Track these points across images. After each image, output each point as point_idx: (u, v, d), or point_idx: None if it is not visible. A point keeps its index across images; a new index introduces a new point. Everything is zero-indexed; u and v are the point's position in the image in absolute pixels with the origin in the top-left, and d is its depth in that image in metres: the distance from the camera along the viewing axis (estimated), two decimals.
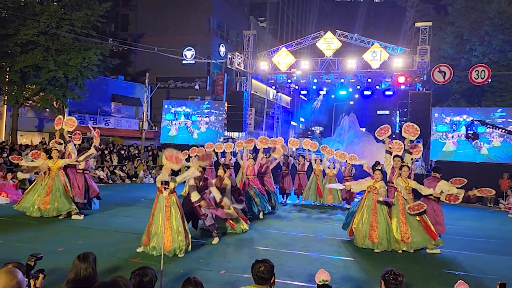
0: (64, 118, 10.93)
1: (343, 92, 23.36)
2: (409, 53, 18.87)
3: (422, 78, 18.86)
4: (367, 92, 22.38)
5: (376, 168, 8.07)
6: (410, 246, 7.64)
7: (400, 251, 7.67)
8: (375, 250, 7.63)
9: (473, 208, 15.52)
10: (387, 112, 30.98)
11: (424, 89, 19.13)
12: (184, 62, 30.65)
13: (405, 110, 19.73)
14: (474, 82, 18.42)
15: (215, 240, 7.85)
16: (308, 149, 14.09)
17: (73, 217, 9.57)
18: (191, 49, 30.64)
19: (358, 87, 22.01)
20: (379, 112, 32.20)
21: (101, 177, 17.21)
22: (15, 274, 2.13)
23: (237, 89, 22.59)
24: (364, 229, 7.80)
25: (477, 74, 18.02)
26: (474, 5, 23.01)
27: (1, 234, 7.78)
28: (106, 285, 2.53)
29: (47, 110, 22.38)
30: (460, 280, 3.25)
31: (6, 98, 20.22)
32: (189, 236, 6.98)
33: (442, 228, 8.20)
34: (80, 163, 9.97)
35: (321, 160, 13.93)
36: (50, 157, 9.74)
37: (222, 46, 33.61)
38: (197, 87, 29.24)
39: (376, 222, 7.73)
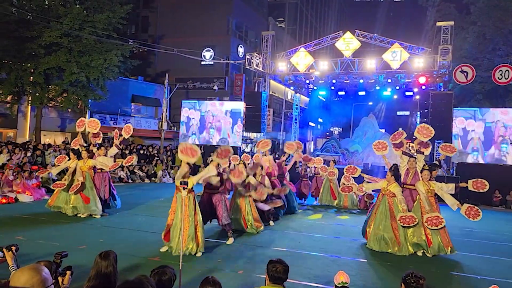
0: (86, 118, 11.15)
1: (362, 93, 23.14)
2: (430, 53, 18.57)
3: (443, 79, 18.53)
4: (386, 93, 22.12)
5: (390, 170, 8.00)
6: (431, 250, 7.52)
7: (420, 254, 7.57)
8: (391, 252, 7.55)
9: (496, 211, 15.18)
10: (407, 113, 30.49)
11: (446, 89, 18.79)
12: (203, 63, 30.89)
13: (425, 111, 19.37)
14: (498, 83, 18.02)
15: (230, 241, 7.90)
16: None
17: (93, 215, 9.83)
18: (210, 50, 30.83)
19: (378, 87, 21.77)
20: (399, 113, 31.72)
21: (121, 176, 17.47)
22: (38, 270, 2.15)
23: (255, 90, 22.61)
24: (380, 232, 7.73)
25: (500, 74, 17.65)
26: (497, 3, 22.50)
27: (24, 231, 7.98)
28: (131, 283, 2.57)
29: (70, 110, 22.83)
30: (494, 285, 3.21)
31: (30, 99, 20.71)
32: (201, 238, 6.92)
33: None
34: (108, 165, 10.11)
35: (334, 162, 14.04)
36: (80, 158, 10.01)
37: (241, 46, 33.72)
38: (215, 87, 29.41)
39: (391, 226, 7.66)
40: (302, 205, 13.79)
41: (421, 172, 7.86)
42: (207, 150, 15.08)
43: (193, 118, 22.34)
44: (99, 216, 9.79)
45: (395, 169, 7.98)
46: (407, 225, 7.40)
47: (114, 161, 10.32)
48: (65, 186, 9.79)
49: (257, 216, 9.02)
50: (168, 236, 6.90)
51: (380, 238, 7.69)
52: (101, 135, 11.02)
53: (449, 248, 7.45)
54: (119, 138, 10.69)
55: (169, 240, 6.87)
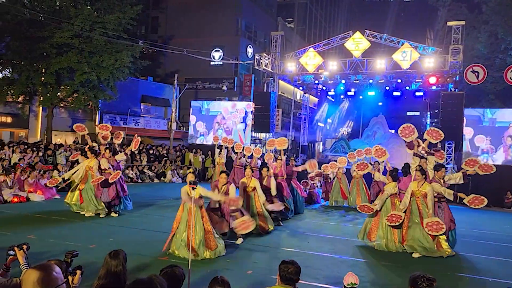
0: (96, 118, 11.30)
1: (371, 93, 23.01)
2: (440, 53, 18.40)
3: (454, 79, 18.35)
4: (396, 93, 21.96)
5: (393, 173, 8.11)
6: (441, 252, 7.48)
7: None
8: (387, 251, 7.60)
9: (508, 212, 14.99)
10: (417, 113, 30.22)
11: (457, 89, 18.61)
12: (212, 63, 30.96)
13: (436, 111, 19.20)
14: (510, 83, 17.80)
15: (239, 241, 7.91)
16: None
17: (101, 215, 9.93)
18: (219, 50, 30.88)
19: (387, 88, 21.63)
20: (408, 113, 31.47)
21: (131, 176, 17.58)
22: (50, 270, 2.16)
23: (265, 90, 22.61)
24: (385, 232, 7.79)
25: None
26: (510, 2, 22.22)
27: (36, 230, 8.07)
28: (142, 282, 2.58)
29: (80, 110, 23.04)
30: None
31: (41, 99, 20.94)
32: (216, 243, 6.89)
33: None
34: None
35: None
36: (86, 157, 10.15)
37: (250, 47, 33.74)
38: (224, 88, 29.46)
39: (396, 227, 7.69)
40: (310, 204, 13.84)
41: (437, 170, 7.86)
42: (214, 150, 15.12)
43: (201, 119, 22.41)
44: (104, 216, 9.88)
45: (395, 172, 8.16)
46: (436, 233, 7.28)
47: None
48: (63, 184, 9.95)
49: (266, 217, 9.00)
50: (169, 245, 6.87)
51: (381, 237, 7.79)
52: (109, 135, 11.13)
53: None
54: (128, 148, 10.86)
55: (169, 247, 6.86)
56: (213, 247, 6.78)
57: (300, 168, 12.40)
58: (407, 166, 8.30)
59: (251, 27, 35.10)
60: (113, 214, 10.07)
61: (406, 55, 18.12)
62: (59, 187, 12.06)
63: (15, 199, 11.26)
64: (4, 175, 11.59)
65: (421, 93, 21.72)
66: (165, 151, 21.51)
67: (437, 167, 7.94)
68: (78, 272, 3.09)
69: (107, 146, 10.69)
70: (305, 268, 6.06)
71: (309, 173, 13.24)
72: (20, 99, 20.57)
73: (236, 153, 14.03)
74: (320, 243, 8.33)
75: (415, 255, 7.47)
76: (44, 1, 19.70)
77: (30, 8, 19.26)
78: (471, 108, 18.02)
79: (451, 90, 18.42)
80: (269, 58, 21.28)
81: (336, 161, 13.84)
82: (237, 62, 30.59)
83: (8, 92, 19.72)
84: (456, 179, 7.84)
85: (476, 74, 17.60)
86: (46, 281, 2.06)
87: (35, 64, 19.72)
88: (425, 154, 8.51)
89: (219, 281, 3.11)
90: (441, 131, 8.38)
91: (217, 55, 31.16)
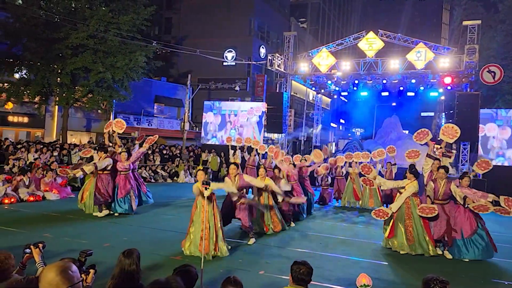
0: (112, 119, 11.44)
1: (385, 93, 22.81)
2: (456, 53, 18.16)
3: (470, 79, 18.09)
4: (410, 94, 21.73)
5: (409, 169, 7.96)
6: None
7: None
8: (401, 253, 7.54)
9: None
10: (431, 114, 29.93)
11: (472, 90, 18.35)
12: (225, 63, 31.06)
13: (451, 112, 18.95)
14: None
15: (251, 241, 7.91)
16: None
17: (94, 213, 10.00)
18: (232, 51, 30.95)
19: (401, 88, 21.40)
20: (423, 114, 31.16)
21: (144, 176, 17.72)
22: (66, 267, 2.16)
23: (277, 91, 22.58)
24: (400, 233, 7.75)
25: None
26: None
27: (51, 229, 8.20)
28: (160, 283, 2.61)
29: (95, 111, 23.32)
30: None
31: (57, 99, 21.25)
32: (221, 241, 6.93)
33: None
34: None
35: (356, 162, 13.71)
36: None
37: (263, 47, 33.76)
38: (237, 88, 29.53)
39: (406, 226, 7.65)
40: (322, 205, 13.77)
41: (461, 178, 7.72)
42: (226, 151, 15.16)
43: (213, 119, 22.46)
44: (98, 213, 9.94)
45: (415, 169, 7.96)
46: (426, 216, 7.33)
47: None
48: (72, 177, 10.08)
49: (278, 218, 9.00)
50: (187, 239, 6.95)
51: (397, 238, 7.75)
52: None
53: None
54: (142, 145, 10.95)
55: (186, 243, 6.93)
56: (218, 245, 6.83)
57: (307, 162, 12.17)
58: (413, 167, 8.19)
59: (264, 28, 35.12)
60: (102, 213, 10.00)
61: (420, 55, 17.91)
62: (69, 183, 12.27)
63: (31, 198, 11.45)
64: (21, 174, 11.79)
65: (435, 94, 21.46)
66: (178, 151, 21.64)
67: (463, 175, 7.85)
68: (92, 271, 3.13)
69: (124, 149, 10.74)
70: (317, 269, 6.04)
71: (318, 166, 13.20)
72: (36, 99, 20.90)
73: (250, 153, 14.08)
74: (333, 244, 8.29)
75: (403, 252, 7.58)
76: (60, 2, 20.00)
77: (46, 10, 19.57)
78: (487, 108, 17.77)
79: (466, 90, 18.16)
80: (281, 59, 21.24)
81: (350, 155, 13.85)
82: (249, 62, 30.63)
83: (25, 92, 20.08)
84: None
85: (493, 74, 17.33)
86: (62, 279, 2.08)
87: (51, 65, 20.03)
88: (441, 156, 8.41)
89: (232, 281, 3.12)
90: (456, 126, 8.22)
91: (230, 55, 31.25)
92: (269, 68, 21.31)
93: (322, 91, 24.47)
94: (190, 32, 33.79)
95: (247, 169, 13.94)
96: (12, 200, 10.96)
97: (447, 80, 18.25)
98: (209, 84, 31.03)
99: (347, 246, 8.19)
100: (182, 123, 25.50)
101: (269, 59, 20.95)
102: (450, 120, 19.13)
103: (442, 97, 22.01)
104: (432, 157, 8.27)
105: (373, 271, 6.46)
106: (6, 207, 10.52)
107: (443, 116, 22.48)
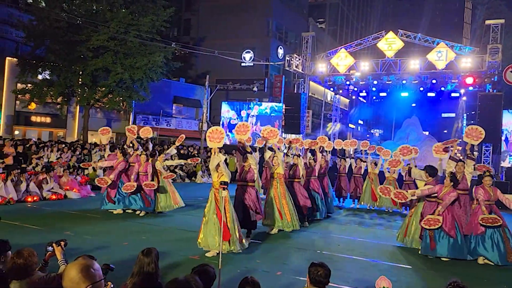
0: (130, 118, 11.67)
1: (404, 94, 22.51)
2: (478, 53, 17.81)
3: (492, 79, 17.71)
4: (431, 94, 21.40)
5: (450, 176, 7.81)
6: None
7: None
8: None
9: None
10: (452, 115, 29.34)
11: (495, 90, 17.96)
12: (243, 64, 31.11)
13: (473, 113, 18.60)
14: None
15: (274, 231, 8.39)
16: (365, 151, 13.73)
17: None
18: (250, 52, 30.99)
19: (422, 88, 21.09)
20: (444, 115, 30.59)
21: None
22: (88, 265, 2.18)
23: (295, 91, 22.52)
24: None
25: None
26: None
27: (72, 227, 8.36)
28: (180, 282, 2.63)
29: (115, 111, 23.69)
30: None
31: (78, 100, 21.66)
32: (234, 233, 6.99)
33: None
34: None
35: (375, 164, 13.46)
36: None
37: (281, 48, 33.71)
38: (255, 89, 29.58)
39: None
40: (340, 208, 13.44)
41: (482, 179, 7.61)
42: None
43: (231, 120, 22.53)
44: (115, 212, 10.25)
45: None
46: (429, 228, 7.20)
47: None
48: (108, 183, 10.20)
49: (292, 213, 8.88)
50: (202, 235, 7.02)
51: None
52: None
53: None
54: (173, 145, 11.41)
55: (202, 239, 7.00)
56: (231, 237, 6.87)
57: (318, 165, 11.39)
58: (433, 168, 8.04)
59: (282, 28, 35.07)
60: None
61: (441, 55, 17.63)
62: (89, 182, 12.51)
63: (53, 196, 11.70)
64: (44, 173, 12.05)
65: (457, 94, 21.08)
66: (196, 151, 21.78)
67: (483, 176, 7.69)
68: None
69: (145, 152, 10.82)
70: (335, 271, 5.99)
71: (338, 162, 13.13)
72: (58, 100, 21.36)
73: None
74: (351, 246, 8.21)
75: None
76: (82, 5, 20.38)
77: (68, 12, 19.97)
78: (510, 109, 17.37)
79: (489, 91, 17.79)
80: (299, 59, 21.18)
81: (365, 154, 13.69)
82: (267, 63, 30.64)
83: (48, 93, 20.53)
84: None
85: None
86: (84, 277, 2.11)
87: (73, 66, 20.43)
88: (465, 158, 8.27)
89: (249, 281, 3.13)
90: (480, 128, 8.07)
91: (248, 56, 31.29)
92: (287, 69, 21.28)
93: (340, 91, 24.30)
94: (208, 33, 33.99)
95: (266, 169, 13.91)
96: (35, 198, 11.22)
97: (469, 80, 17.91)
98: (227, 85, 31.16)
99: (366, 248, 8.10)
100: (200, 124, 25.65)
101: (287, 59, 20.92)
102: (472, 121, 18.76)
103: (464, 98, 21.59)
104: (455, 159, 8.12)
105: (392, 274, 6.37)
106: (29, 205, 10.79)
107: (465, 117, 22.03)
